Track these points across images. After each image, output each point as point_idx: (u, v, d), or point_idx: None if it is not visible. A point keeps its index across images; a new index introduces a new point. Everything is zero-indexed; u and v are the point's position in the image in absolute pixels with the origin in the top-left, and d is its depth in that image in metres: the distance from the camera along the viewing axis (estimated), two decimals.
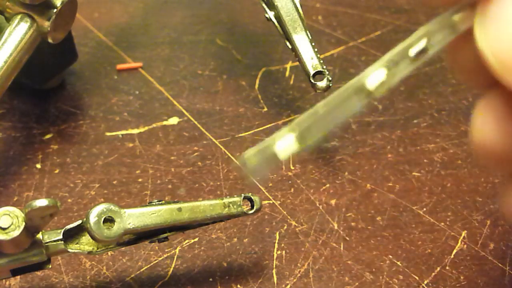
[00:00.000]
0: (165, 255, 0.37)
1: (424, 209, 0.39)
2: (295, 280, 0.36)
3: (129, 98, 0.45)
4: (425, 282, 0.36)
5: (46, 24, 0.37)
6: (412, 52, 0.24)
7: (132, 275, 0.36)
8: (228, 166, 0.41)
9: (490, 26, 0.23)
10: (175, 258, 0.37)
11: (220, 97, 0.45)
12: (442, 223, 0.39)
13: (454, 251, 0.37)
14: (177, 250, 0.37)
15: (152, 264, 0.37)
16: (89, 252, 0.32)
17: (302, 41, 0.40)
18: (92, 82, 0.46)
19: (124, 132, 0.43)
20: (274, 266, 0.37)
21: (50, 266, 0.33)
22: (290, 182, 0.41)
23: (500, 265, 0.37)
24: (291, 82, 0.46)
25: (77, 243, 0.32)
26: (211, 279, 0.36)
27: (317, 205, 0.39)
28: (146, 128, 0.43)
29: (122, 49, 0.48)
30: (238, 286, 0.36)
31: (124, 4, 0.51)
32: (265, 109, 0.45)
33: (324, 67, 0.39)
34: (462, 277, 0.36)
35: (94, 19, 0.50)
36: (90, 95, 0.45)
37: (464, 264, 0.37)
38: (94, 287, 0.36)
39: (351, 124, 0.43)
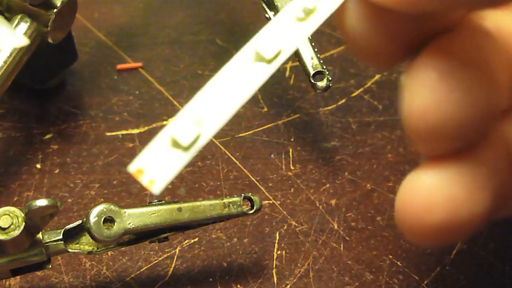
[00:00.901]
0: (165, 255, 0.37)
1: None
2: (295, 280, 0.36)
3: (129, 98, 0.45)
4: (425, 282, 0.36)
5: (46, 24, 0.37)
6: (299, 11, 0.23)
7: (132, 275, 0.36)
8: (228, 166, 0.41)
9: (409, 85, 0.23)
10: (175, 258, 0.37)
11: None
12: None
13: (454, 251, 0.37)
14: (177, 250, 0.37)
15: (152, 264, 0.37)
16: (89, 252, 0.32)
17: None
18: (92, 82, 0.46)
19: (124, 132, 0.43)
20: (274, 266, 0.37)
21: (50, 266, 0.33)
22: (290, 182, 0.41)
23: (500, 265, 0.37)
24: (291, 82, 0.46)
25: (77, 243, 0.32)
26: (211, 279, 0.36)
27: (317, 205, 0.39)
28: (146, 128, 0.43)
29: (122, 49, 0.48)
30: (238, 286, 0.36)
31: (124, 4, 0.51)
32: (265, 109, 0.45)
33: (324, 67, 0.39)
34: (462, 277, 0.36)
35: (94, 19, 0.50)
36: (90, 95, 0.45)
37: (464, 264, 0.37)
38: (94, 287, 0.36)
39: (351, 124, 0.43)
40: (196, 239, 0.38)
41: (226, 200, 0.33)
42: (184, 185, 0.40)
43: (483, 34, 0.24)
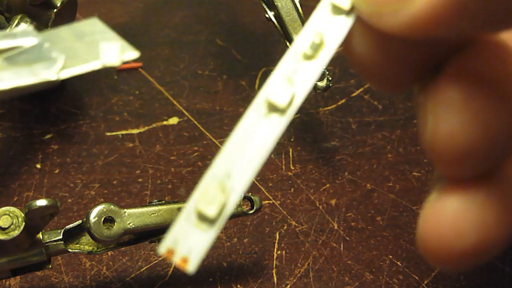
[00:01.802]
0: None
1: None
2: (295, 280, 0.36)
3: (129, 98, 0.45)
4: (425, 282, 0.36)
5: (46, 24, 0.37)
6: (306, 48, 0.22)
7: (132, 275, 0.36)
8: None
9: (433, 109, 0.22)
10: None
11: (220, 97, 0.45)
12: None
13: None
14: None
15: (152, 264, 0.37)
16: (89, 252, 0.32)
17: None
18: (92, 82, 0.46)
19: (124, 132, 0.43)
20: (274, 266, 0.37)
21: (50, 266, 0.33)
22: (290, 182, 0.41)
23: (500, 265, 0.37)
24: None
25: (77, 243, 0.32)
26: (211, 279, 0.36)
27: (317, 205, 0.39)
28: (146, 128, 0.43)
29: None
30: (238, 286, 0.36)
31: (124, 4, 0.51)
32: None
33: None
34: (462, 277, 0.36)
35: None
36: (90, 95, 0.45)
37: None
38: (94, 287, 0.36)
39: (351, 124, 0.43)
40: None
41: None
42: (184, 185, 0.40)
43: (503, 49, 0.23)
